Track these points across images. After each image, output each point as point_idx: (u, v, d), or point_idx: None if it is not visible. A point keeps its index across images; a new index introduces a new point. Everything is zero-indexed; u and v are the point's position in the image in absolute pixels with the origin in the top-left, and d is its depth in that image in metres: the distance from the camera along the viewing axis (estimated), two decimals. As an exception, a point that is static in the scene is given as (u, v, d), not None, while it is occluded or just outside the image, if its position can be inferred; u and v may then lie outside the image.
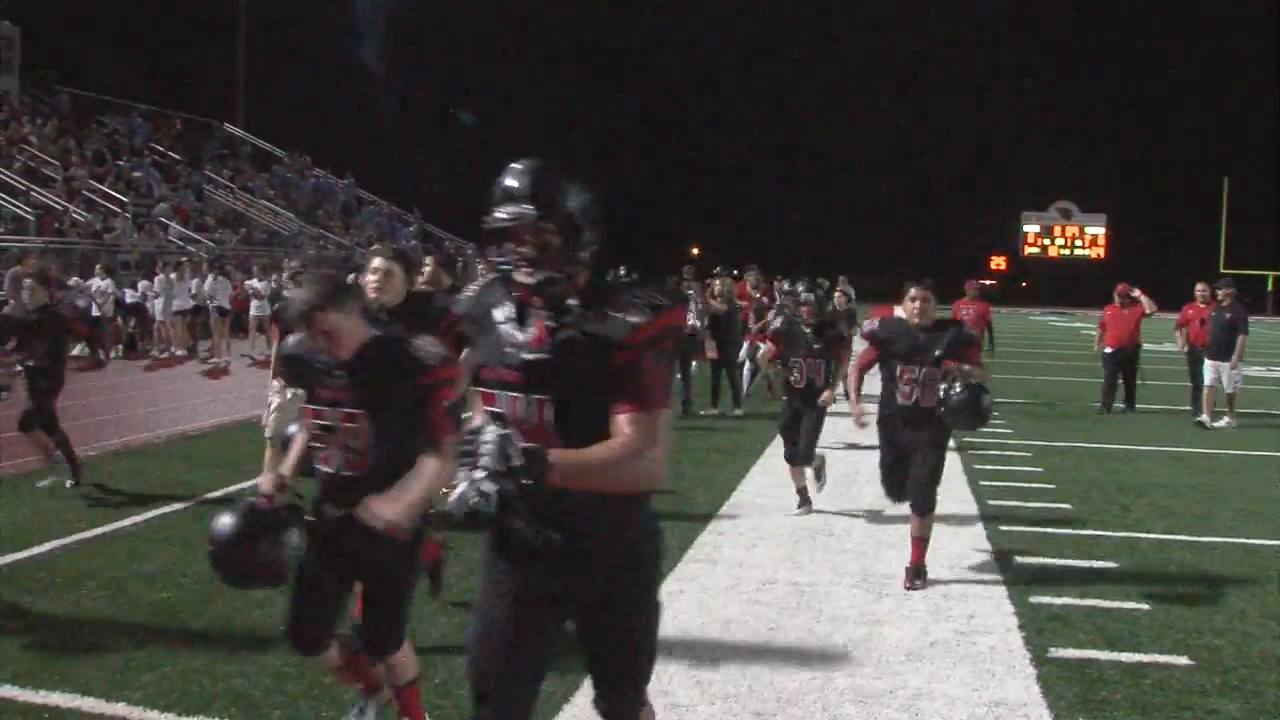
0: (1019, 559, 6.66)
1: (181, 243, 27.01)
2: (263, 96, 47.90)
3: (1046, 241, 72.71)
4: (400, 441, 3.51)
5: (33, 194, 26.10)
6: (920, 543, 6.16)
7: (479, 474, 2.40)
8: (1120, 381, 14.20)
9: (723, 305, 13.24)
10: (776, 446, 8.71)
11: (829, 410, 8.01)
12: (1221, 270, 43.54)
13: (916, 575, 6.10)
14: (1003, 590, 6.02)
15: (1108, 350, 14.26)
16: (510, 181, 2.68)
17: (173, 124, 39.18)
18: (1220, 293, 13.18)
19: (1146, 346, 14.65)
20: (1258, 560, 6.81)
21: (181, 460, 9.39)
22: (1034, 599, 5.85)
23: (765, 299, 15.89)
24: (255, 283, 20.63)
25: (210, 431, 10.99)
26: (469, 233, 40.05)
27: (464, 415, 4.41)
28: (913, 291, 6.16)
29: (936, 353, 6.03)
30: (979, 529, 7.43)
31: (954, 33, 72.92)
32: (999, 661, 4.94)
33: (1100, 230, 71.67)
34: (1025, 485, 8.97)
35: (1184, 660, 5.00)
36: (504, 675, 2.76)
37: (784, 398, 8.26)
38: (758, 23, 74.84)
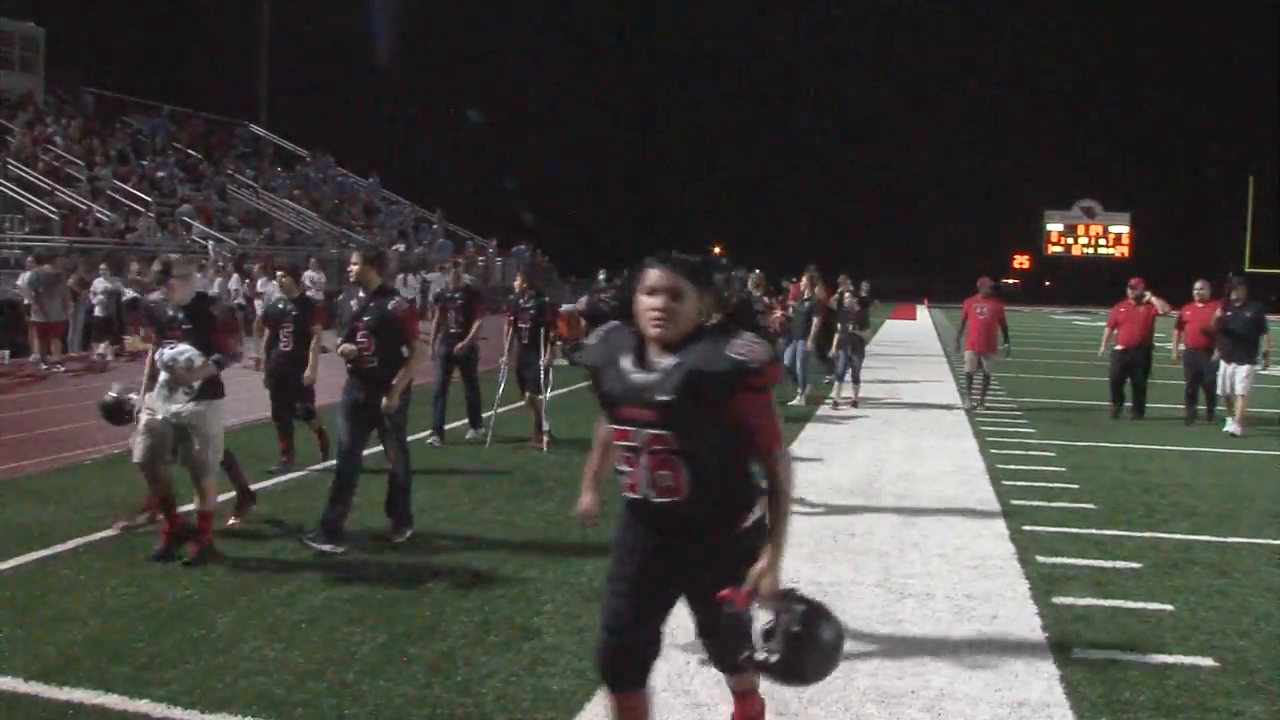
0: (1042, 559, 6.61)
1: (202, 241, 27.20)
2: (286, 96, 48.26)
3: (1070, 240, 72.37)
4: None
5: (57, 193, 26.35)
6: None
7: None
8: (1130, 383, 13.45)
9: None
10: (798, 444, 8.69)
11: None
12: (1246, 268, 43.09)
13: None
14: (1026, 590, 5.98)
15: (1118, 348, 13.55)
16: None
17: (196, 124, 39.45)
18: (1235, 291, 12.45)
19: (1159, 346, 13.83)
20: (1284, 561, 6.74)
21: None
22: (1057, 599, 5.81)
23: (766, 299, 15.89)
24: (233, 284, 20.81)
25: (231, 429, 11.00)
26: (489, 231, 40.25)
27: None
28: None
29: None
30: (1002, 528, 7.39)
31: (978, 31, 72.71)
32: (1022, 662, 4.90)
33: (1124, 229, 71.32)
34: (1048, 485, 8.91)
35: (1208, 662, 4.96)
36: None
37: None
38: (784, 23, 74.93)
